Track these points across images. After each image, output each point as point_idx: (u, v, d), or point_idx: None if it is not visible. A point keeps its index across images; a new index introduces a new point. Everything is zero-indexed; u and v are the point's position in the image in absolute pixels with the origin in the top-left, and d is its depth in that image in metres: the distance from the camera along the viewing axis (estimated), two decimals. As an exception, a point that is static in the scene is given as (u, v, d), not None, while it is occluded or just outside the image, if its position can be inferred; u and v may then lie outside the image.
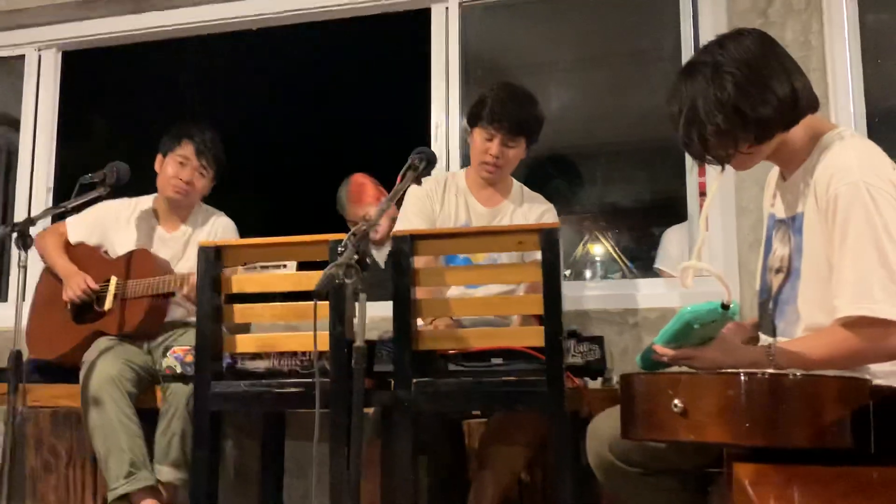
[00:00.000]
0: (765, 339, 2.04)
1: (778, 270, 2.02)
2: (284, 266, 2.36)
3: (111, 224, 3.32)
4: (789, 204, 2.01)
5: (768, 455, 1.50)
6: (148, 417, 2.96)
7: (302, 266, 2.45)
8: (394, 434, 2.21)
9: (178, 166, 3.22)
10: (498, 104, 2.81)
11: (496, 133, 2.82)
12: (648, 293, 3.31)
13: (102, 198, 3.05)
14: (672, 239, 3.87)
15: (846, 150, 1.89)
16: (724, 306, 1.75)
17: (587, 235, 4.97)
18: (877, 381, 1.66)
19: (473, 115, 2.88)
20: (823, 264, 1.86)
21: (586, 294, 3.39)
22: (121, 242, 3.27)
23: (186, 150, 3.22)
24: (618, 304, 3.28)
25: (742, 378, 1.47)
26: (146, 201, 3.36)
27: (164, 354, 2.44)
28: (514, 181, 3.05)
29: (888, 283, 1.73)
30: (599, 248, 5.02)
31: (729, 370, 1.62)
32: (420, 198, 2.94)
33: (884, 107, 3.18)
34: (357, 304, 1.97)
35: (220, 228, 3.32)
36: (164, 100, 5.12)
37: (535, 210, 2.98)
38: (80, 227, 3.33)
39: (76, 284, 3.11)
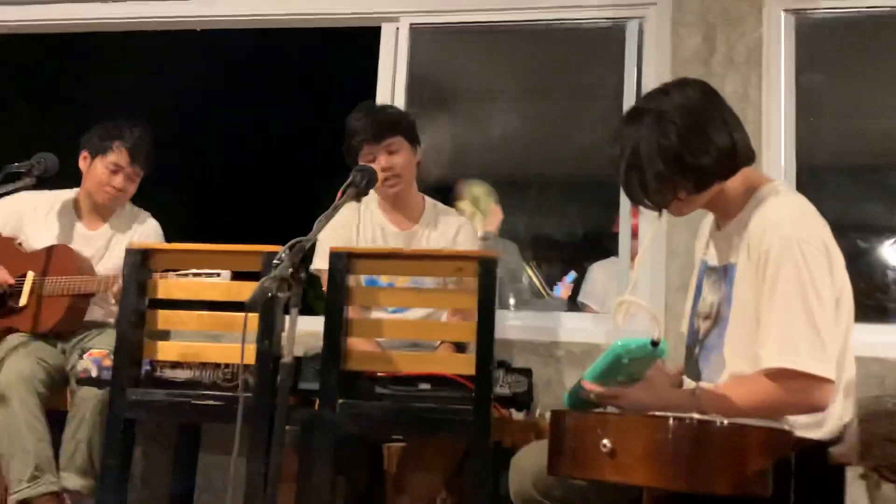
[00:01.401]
0: (689, 382, 2.08)
1: (706, 317, 2.06)
2: (219, 275, 2.30)
3: (28, 216, 3.19)
4: (722, 253, 2.05)
5: (689, 499, 1.52)
6: (57, 420, 2.85)
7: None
8: (313, 453, 2.17)
9: (109, 173, 3.11)
10: (359, 122, 2.83)
11: (372, 147, 2.81)
12: (575, 327, 3.33)
13: (27, 189, 2.94)
14: (597, 274, 3.93)
15: (780, 205, 1.94)
16: (654, 343, 1.77)
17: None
18: (796, 433, 1.70)
19: (350, 149, 2.85)
20: (751, 315, 1.90)
21: (512, 324, 3.40)
22: (37, 236, 3.14)
23: (120, 156, 3.10)
24: (544, 336, 3.30)
25: (670, 422, 1.48)
26: (67, 195, 3.24)
27: (80, 356, 2.35)
28: (426, 199, 3.03)
29: (813, 338, 1.78)
30: (524, 278, 5.05)
31: (657, 413, 1.64)
32: (336, 228, 2.86)
33: (812, 163, 3.29)
34: (287, 319, 1.94)
35: (144, 230, 3.23)
36: (96, 92, 4.99)
37: (451, 227, 2.96)
38: None
39: None
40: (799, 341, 1.77)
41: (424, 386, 2.17)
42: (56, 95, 4.98)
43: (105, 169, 3.11)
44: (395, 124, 2.86)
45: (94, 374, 2.32)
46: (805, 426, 1.82)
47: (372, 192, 3.01)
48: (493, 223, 3.99)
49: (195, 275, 2.36)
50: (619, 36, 3.53)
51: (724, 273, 2.02)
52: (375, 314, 2.79)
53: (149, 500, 3.29)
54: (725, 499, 1.51)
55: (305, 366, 2.23)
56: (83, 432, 2.76)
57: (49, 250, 3.06)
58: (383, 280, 2.82)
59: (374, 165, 2.78)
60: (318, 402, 2.17)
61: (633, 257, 3.38)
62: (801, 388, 1.76)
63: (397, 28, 3.71)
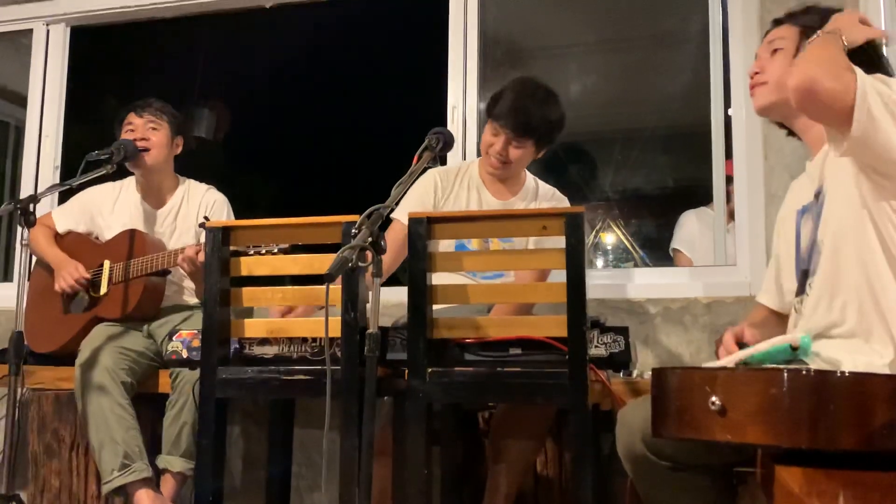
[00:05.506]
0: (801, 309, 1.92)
1: (809, 249, 1.91)
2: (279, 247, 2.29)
3: (97, 210, 3.26)
4: (818, 177, 1.91)
5: (809, 457, 1.40)
6: (150, 402, 2.88)
7: (311, 249, 2.35)
8: (407, 424, 2.11)
9: (128, 134, 3.18)
10: (509, 101, 2.69)
11: (502, 131, 2.72)
12: (670, 282, 3.20)
13: (108, 176, 2.98)
14: (690, 220, 3.78)
15: None
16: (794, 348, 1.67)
17: (599, 224, 4.86)
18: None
19: (488, 108, 2.78)
20: (855, 197, 1.76)
21: (602, 283, 3.28)
22: (110, 226, 3.21)
23: (129, 117, 3.21)
24: (637, 294, 3.18)
25: (784, 375, 1.36)
26: (129, 183, 3.30)
27: (169, 338, 2.35)
28: (529, 175, 2.95)
29: None
30: (611, 237, 4.91)
31: (771, 368, 1.52)
32: (420, 191, 2.84)
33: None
34: (371, 290, 1.88)
35: (210, 202, 3.24)
36: (173, 78, 5.03)
37: (546, 200, 2.90)
38: (66, 217, 3.27)
39: (68, 273, 3.05)
40: None
41: (515, 350, 2.08)
42: (142, 85, 5.03)
43: (125, 134, 3.18)
44: (532, 130, 2.71)
45: (184, 355, 2.31)
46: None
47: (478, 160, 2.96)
48: None
49: (255, 251, 2.35)
50: (700, -29, 3.34)
51: (817, 198, 1.89)
52: (459, 279, 2.72)
53: (250, 478, 3.32)
54: (849, 455, 1.38)
55: (392, 336, 2.17)
56: (186, 415, 2.78)
57: (120, 237, 3.11)
58: (474, 245, 2.76)
59: (490, 138, 2.76)
60: (407, 372, 2.11)
61: (727, 205, 3.23)
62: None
63: (466, -14, 3.60)
